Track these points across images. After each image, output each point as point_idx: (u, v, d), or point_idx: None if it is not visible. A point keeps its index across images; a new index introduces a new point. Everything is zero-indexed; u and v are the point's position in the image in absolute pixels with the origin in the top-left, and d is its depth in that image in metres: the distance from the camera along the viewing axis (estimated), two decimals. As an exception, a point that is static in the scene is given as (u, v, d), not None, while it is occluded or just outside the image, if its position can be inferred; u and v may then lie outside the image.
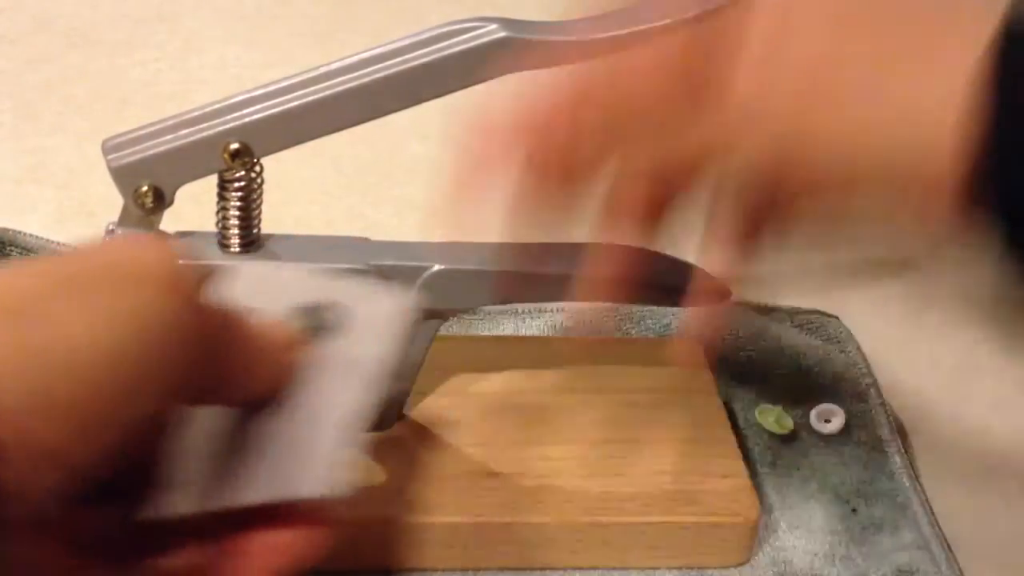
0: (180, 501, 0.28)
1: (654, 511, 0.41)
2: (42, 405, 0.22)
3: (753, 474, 0.45)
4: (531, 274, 0.40)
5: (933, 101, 0.30)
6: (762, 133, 0.32)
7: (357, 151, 0.66)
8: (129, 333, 0.24)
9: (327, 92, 0.37)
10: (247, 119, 0.36)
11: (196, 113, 0.37)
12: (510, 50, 0.36)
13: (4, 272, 0.24)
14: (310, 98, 0.37)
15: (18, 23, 0.77)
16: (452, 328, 0.51)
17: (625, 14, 0.35)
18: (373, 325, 0.31)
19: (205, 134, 0.37)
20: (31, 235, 0.52)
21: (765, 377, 0.51)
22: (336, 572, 0.40)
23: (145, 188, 0.37)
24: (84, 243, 0.28)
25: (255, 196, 0.38)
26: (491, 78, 0.37)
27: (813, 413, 0.49)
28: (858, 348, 0.52)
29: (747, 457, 0.46)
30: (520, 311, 0.53)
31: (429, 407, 0.44)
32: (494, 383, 0.46)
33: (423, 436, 0.43)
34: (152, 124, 0.37)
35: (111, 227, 0.38)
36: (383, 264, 0.39)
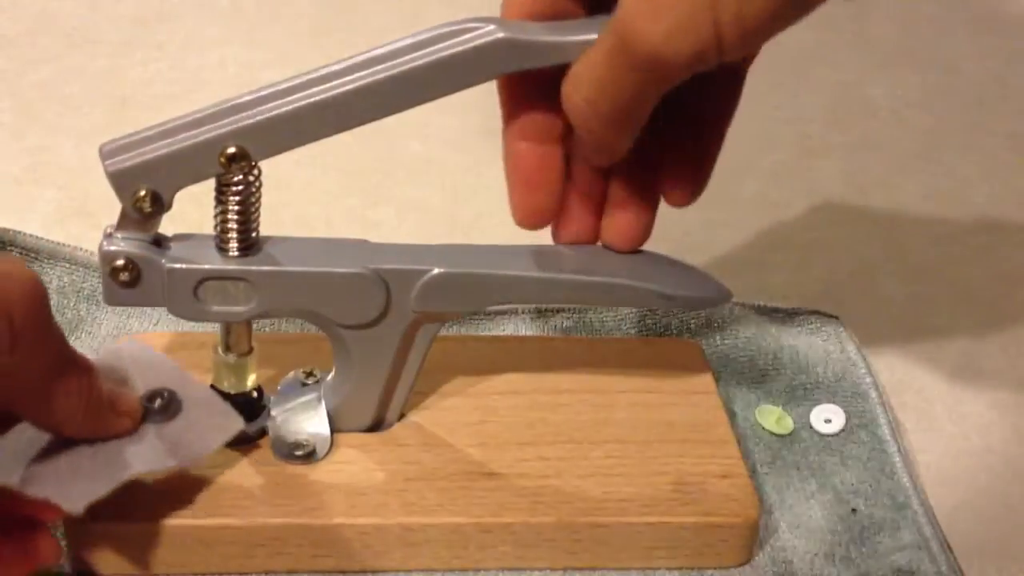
0: None
1: (654, 511, 0.41)
2: None
3: (753, 474, 0.45)
4: (531, 276, 0.40)
5: None
6: None
7: (357, 151, 0.66)
8: None
9: (324, 95, 0.36)
10: (244, 123, 0.36)
11: (193, 117, 0.37)
12: (508, 51, 0.36)
13: None
14: (307, 101, 0.36)
15: (18, 23, 0.77)
16: (452, 329, 0.51)
17: None
18: (198, 428, 0.39)
19: (202, 138, 0.36)
20: (31, 235, 0.52)
21: (765, 377, 0.51)
22: (336, 572, 0.40)
23: (143, 192, 0.37)
24: None
25: (253, 200, 0.38)
26: (489, 79, 0.37)
27: (813, 413, 0.49)
28: (858, 348, 0.52)
29: (747, 457, 0.46)
30: (520, 312, 0.53)
31: (429, 407, 0.44)
32: (494, 383, 0.46)
33: (423, 436, 0.43)
34: (149, 128, 0.37)
35: (109, 230, 0.38)
36: (382, 268, 0.39)
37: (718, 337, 0.52)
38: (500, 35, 0.36)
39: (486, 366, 0.47)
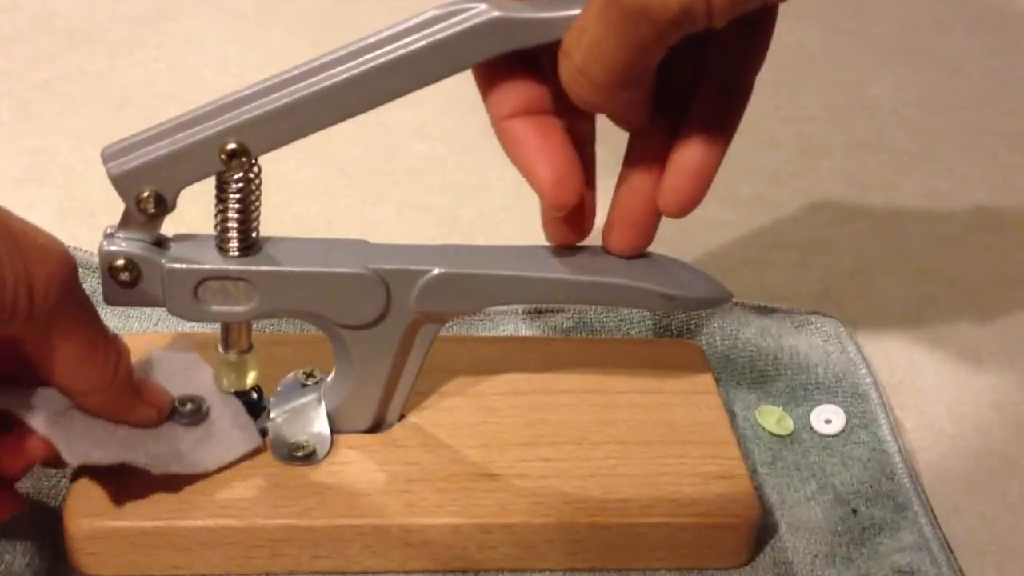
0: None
1: (654, 512, 0.41)
2: None
3: (753, 475, 0.45)
4: (531, 276, 0.40)
5: None
6: None
7: (357, 151, 0.66)
8: None
9: (321, 85, 0.36)
10: (243, 118, 0.36)
11: (191, 115, 0.37)
12: (500, 30, 0.36)
13: None
14: (305, 92, 0.36)
15: (18, 23, 0.77)
16: (452, 329, 0.51)
17: None
18: (215, 441, 0.40)
19: (201, 136, 0.36)
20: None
21: (765, 377, 0.51)
22: (336, 573, 0.40)
23: (147, 194, 0.37)
24: None
25: (253, 198, 0.38)
26: (483, 59, 0.37)
27: (813, 413, 0.49)
28: (858, 348, 0.52)
29: (747, 458, 0.46)
30: (520, 312, 0.53)
31: (429, 408, 0.44)
32: (494, 383, 0.46)
33: (423, 437, 0.43)
34: (149, 129, 0.37)
35: (110, 230, 0.38)
36: (382, 268, 0.39)
37: (718, 337, 0.52)
38: (494, 14, 0.36)
39: (486, 366, 0.47)
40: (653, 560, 0.42)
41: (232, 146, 0.36)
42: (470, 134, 0.68)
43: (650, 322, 0.52)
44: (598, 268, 0.41)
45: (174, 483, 0.40)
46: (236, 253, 0.39)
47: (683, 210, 0.39)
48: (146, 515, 0.39)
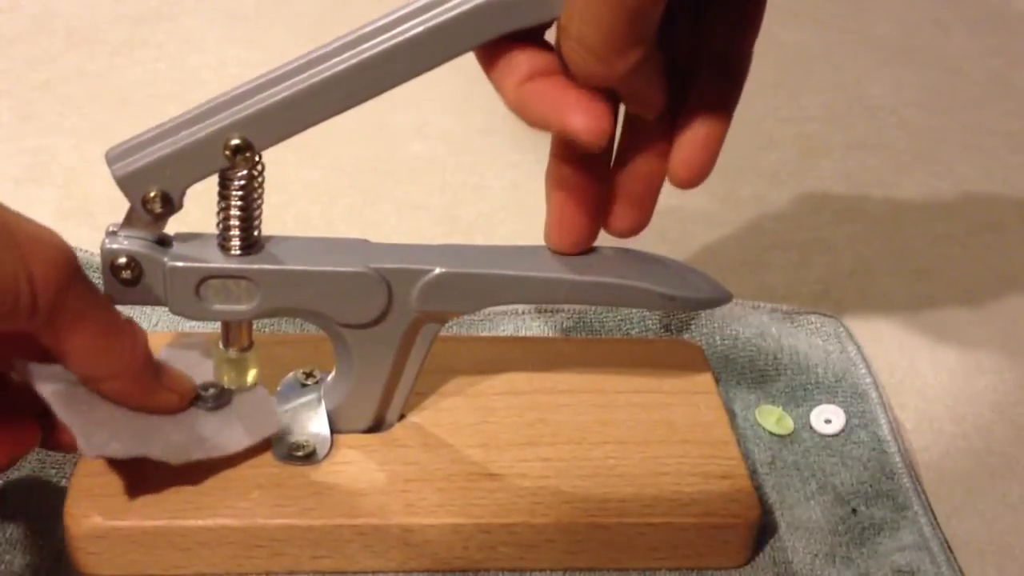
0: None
1: (654, 512, 0.41)
2: None
3: (753, 474, 0.45)
4: (531, 276, 0.40)
5: None
6: None
7: (357, 151, 0.66)
8: None
9: (323, 75, 0.36)
10: (245, 112, 0.36)
11: (194, 113, 0.37)
12: (500, 10, 0.36)
13: None
14: (307, 83, 0.36)
15: (18, 23, 0.77)
16: (452, 329, 0.51)
17: None
18: (236, 426, 0.41)
19: (204, 133, 0.36)
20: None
21: (765, 377, 0.51)
22: (336, 573, 0.40)
23: (153, 194, 0.37)
24: None
25: (256, 196, 0.38)
26: (484, 41, 0.37)
27: (813, 413, 0.49)
28: (858, 348, 0.52)
29: (747, 457, 0.46)
30: (520, 312, 0.53)
31: (429, 407, 0.44)
32: (494, 383, 0.46)
33: (423, 437, 0.43)
34: (152, 129, 0.37)
35: (112, 228, 0.38)
36: (384, 267, 0.39)
37: (718, 337, 0.52)
38: None
39: (486, 366, 0.47)
40: (653, 560, 0.42)
41: (236, 141, 0.36)
42: (470, 134, 0.68)
43: (650, 322, 0.52)
44: (599, 268, 0.41)
45: (175, 482, 0.40)
46: (238, 252, 0.39)
47: (696, 180, 0.40)
48: (146, 515, 0.39)
